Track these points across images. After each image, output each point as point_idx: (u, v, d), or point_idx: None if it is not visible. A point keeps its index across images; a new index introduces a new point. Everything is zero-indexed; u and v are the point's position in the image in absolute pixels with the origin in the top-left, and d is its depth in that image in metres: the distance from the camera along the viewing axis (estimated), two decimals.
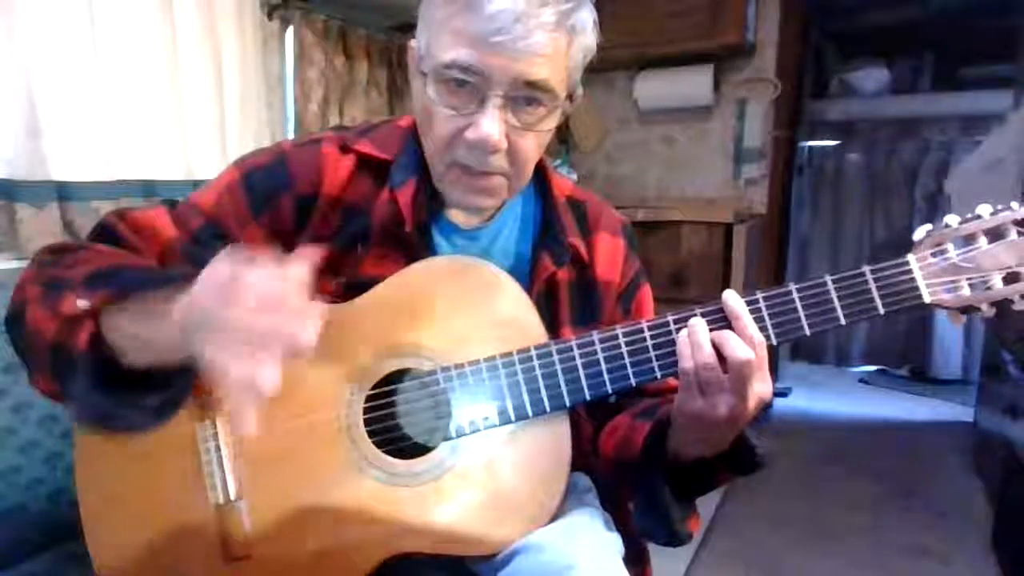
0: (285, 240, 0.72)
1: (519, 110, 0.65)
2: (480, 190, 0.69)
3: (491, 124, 0.63)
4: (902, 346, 3.80)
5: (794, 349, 3.87)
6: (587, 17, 0.66)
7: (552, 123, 0.69)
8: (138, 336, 0.55)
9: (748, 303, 0.63)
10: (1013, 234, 0.62)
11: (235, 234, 0.70)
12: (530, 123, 0.66)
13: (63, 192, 1.47)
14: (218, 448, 0.68)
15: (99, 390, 0.55)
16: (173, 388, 0.57)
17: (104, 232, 0.67)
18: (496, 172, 0.68)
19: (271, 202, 0.71)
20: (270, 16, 2.02)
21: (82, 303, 0.54)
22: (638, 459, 0.71)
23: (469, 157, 0.66)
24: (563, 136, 2.90)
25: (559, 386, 0.66)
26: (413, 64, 0.70)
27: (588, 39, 0.67)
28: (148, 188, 1.64)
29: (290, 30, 2.08)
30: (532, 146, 0.68)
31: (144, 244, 0.67)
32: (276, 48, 2.08)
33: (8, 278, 0.99)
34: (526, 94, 0.64)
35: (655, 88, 2.68)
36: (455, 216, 0.76)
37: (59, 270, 0.60)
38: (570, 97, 0.69)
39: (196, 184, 1.70)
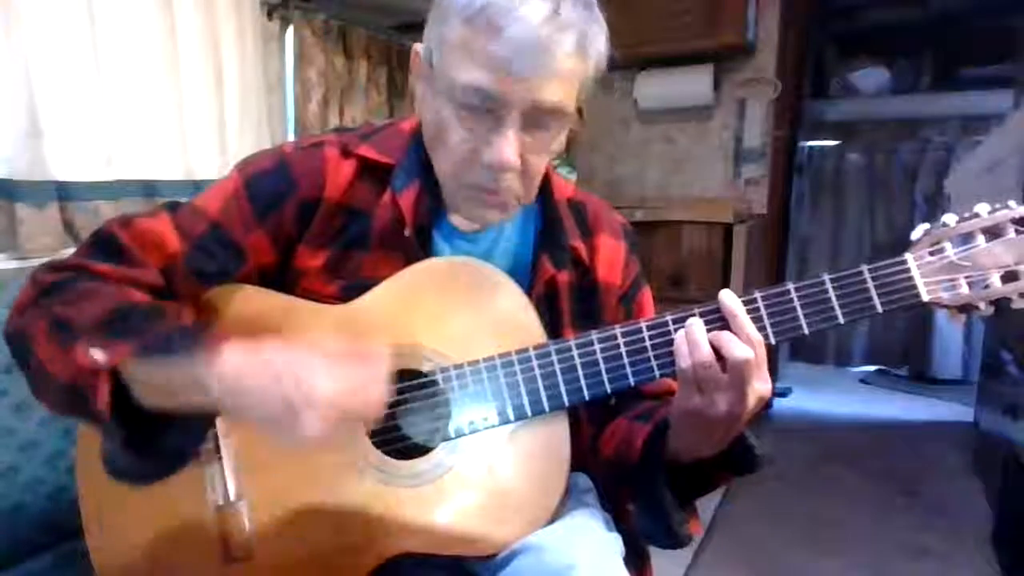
0: (287, 244, 0.72)
1: (533, 131, 0.65)
2: (494, 205, 0.70)
3: (509, 148, 0.63)
4: (902, 346, 3.80)
5: (794, 349, 3.86)
6: (601, 35, 0.65)
7: (562, 139, 0.69)
8: (158, 388, 0.57)
9: (746, 303, 0.63)
10: (1011, 232, 0.61)
11: (239, 240, 0.70)
12: (544, 141, 0.66)
13: (63, 192, 1.47)
14: (218, 449, 0.68)
15: (126, 448, 0.59)
16: (191, 428, 0.61)
17: (105, 242, 0.66)
18: (508, 189, 0.68)
19: (275, 208, 0.71)
20: (270, 16, 2.02)
21: (97, 354, 0.55)
22: (637, 461, 0.71)
23: (483, 176, 0.66)
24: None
25: (558, 386, 0.66)
26: (417, 69, 0.69)
27: (601, 59, 0.66)
28: (148, 188, 1.64)
29: (290, 30, 2.08)
30: (542, 163, 0.69)
31: (146, 256, 0.66)
32: (276, 48, 2.08)
33: (8, 278, 0.99)
34: (541, 116, 0.64)
35: (655, 88, 2.68)
36: (457, 220, 0.76)
37: (63, 307, 0.60)
38: (579, 111, 0.69)
39: (196, 184, 1.71)
